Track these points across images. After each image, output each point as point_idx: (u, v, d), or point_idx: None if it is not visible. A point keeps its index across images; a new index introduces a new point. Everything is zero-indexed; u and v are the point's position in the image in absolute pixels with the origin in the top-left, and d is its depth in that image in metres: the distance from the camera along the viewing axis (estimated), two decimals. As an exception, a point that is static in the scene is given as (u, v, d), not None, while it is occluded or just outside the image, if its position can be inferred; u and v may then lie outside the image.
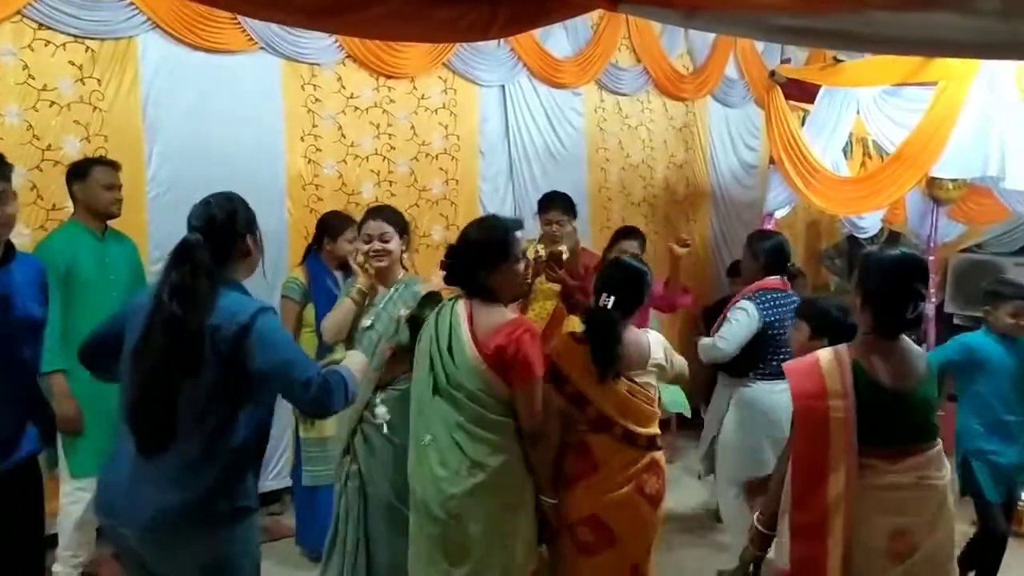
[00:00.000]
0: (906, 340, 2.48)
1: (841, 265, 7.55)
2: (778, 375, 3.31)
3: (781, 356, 3.65)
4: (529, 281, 2.91)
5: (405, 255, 3.25)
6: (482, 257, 2.76)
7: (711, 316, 6.17)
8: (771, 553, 2.59)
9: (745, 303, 3.93)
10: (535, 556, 2.86)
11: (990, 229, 7.12)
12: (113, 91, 4.12)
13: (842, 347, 2.46)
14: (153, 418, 2.14)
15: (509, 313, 2.80)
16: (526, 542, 2.81)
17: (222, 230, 2.36)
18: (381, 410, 3.08)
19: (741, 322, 3.88)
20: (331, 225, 4.18)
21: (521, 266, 2.88)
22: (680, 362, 3.22)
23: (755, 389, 3.93)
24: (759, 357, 3.90)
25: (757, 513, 2.64)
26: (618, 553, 2.92)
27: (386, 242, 3.15)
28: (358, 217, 3.55)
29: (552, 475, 2.88)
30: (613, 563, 2.92)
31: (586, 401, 2.87)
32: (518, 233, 2.86)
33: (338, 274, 4.13)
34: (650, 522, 2.97)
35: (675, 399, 5.35)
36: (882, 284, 2.39)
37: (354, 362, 2.51)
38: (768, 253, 4.01)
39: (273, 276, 4.55)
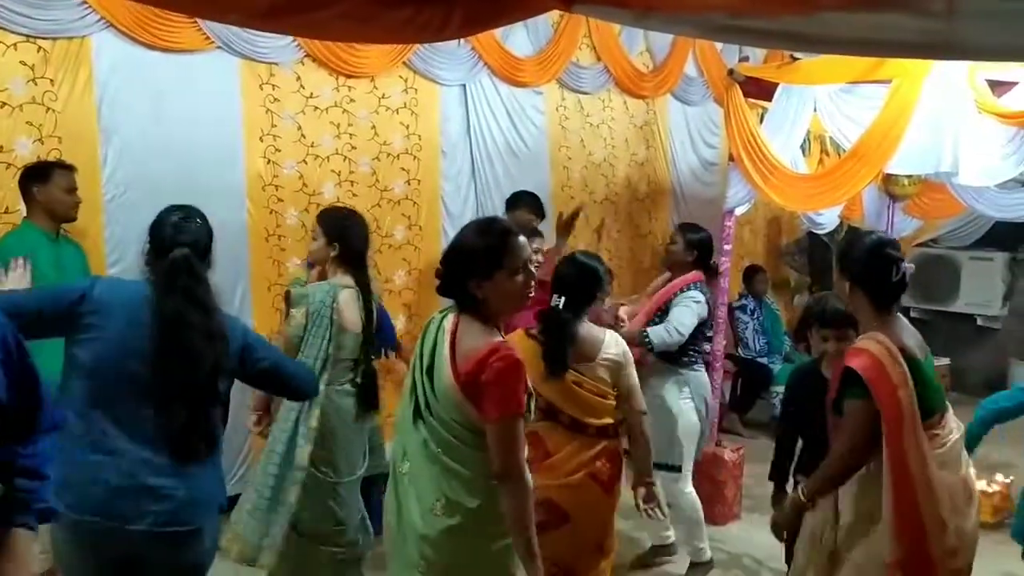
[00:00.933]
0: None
1: (801, 261, 7.66)
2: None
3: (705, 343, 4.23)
4: (533, 295, 2.50)
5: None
6: (473, 264, 2.35)
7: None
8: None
9: (695, 293, 4.13)
10: None
11: (945, 224, 7.27)
12: (66, 92, 4.05)
13: (879, 335, 2.59)
14: (201, 427, 2.34)
15: (495, 335, 2.38)
16: None
17: (207, 245, 2.50)
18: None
19: (694, 310, 4.08)
20: None
21: (520, 278, 2.38)
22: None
23: (700, 374, 4.23)
24: (695, 344, 4.19)
25: (802, 487, 2.74)
26: (574, 530, 3.00)
27: None
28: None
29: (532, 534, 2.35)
30: (571, 539, 2.99)
31: (535, 392, 2.87)
32: (519, 239, 2.42)
33: None
34: (604, 505, 3.09)
35: None
36: (867, 260, 2.65)
37: None
38: (701, 246, 4.25)
39: (235, 277, 4.57)
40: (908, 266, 2.67)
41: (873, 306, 2.66)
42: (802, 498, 2.68)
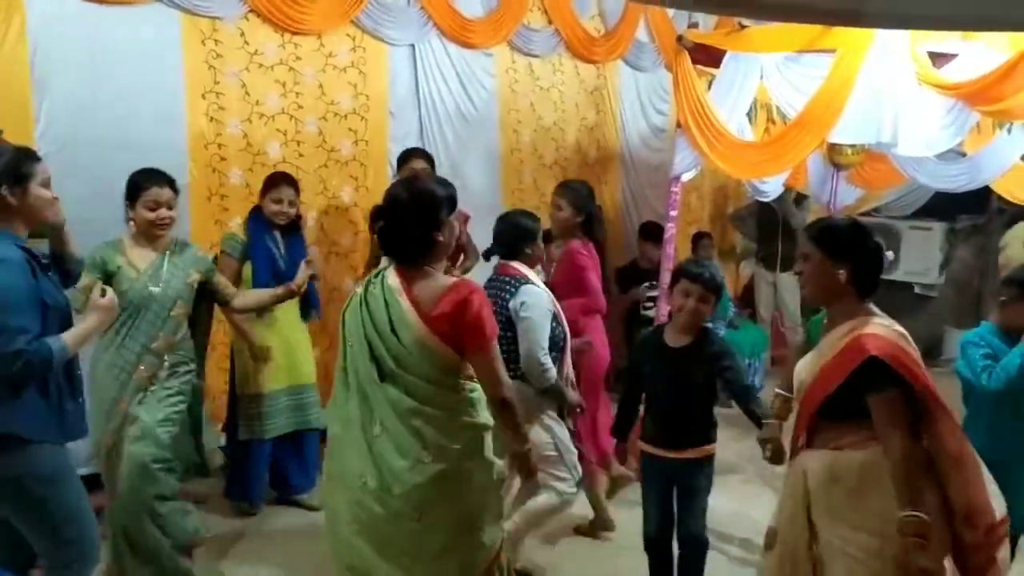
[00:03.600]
0: None
1: (751, 225, 7.71)
2: None
3: None
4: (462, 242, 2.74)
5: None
6: (438, 213, 2.54)
7: (625, 276, 6.30)
8: None
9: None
10: (501, 533, 2.71)
11: (886, 194, 7.41)
12: (-3, 44, 3.91)
13: (885, 320, 2.55)
14: None
15: (448, 278, 2.58)
16: (495, 523, 2.66)
17: None
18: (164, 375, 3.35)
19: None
20: (264, 184, 4.29)
21: (456, 226, 2.64)
22: None
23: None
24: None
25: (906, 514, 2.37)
26: None
27: (171, 209, 3.39)
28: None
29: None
30: None
31: None
32: (444, 192, 2.61)
33: (277, 233, 4.26)
34: None
35: None
36: (863, 247, 2.58)
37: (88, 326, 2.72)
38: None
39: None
40: (888, 253, 2.66)
41: (858, 291, 2.56)
42: (913, 519, 2.35)
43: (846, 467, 2.49)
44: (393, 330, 2.47)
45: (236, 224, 4.71)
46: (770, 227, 6.82)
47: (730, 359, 3.21)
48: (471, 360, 2.52)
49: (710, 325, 3.39)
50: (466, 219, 4.68)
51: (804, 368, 2.68)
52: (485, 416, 2.60)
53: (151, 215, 3.34)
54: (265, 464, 4.36)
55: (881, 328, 2.49)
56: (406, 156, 4.74)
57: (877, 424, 2.43)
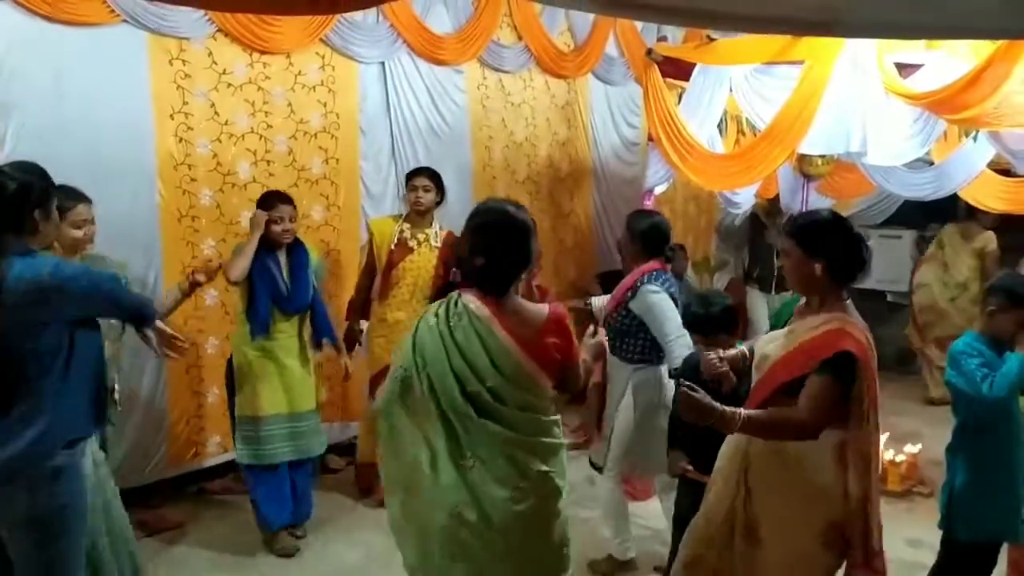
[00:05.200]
0: None
1: (736, 239, 7.66)
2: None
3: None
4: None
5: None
6: (519, 249, 2.54)
7: (607, 283, 6.28)
8: None
9: (654, 287, 3.81)
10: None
11: (857, 203, 7.48)
12: (-40, 66, 3.85)
13: (854, 319, 2.65)
14: None
15: (535, 304, 2.60)
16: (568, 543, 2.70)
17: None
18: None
19: (668, 305, 3.79)
20: (259, 205, 4.22)
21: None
22: None
23: (656, 370, 3.91)
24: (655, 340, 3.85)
25: (746, 413, 2.56)
26: None
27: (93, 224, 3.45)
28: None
29: None
30: None
31: None
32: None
33: (280, 253, 4.22)
34: None
35: None
36: (839, 238, 2.68)
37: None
38: (645, 234, 3.95)
39: (147, 259, 4.44)
40: (871, 243, 2.77)
41: (837, 285, 2.68)
42: (736, 419, 2.54)
43: (787, 444, 2.64)
44: (493, 364, 2.44)
45: (208, 245, 4.66)
46: (764, 247, 6.77)
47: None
48: (567, 374, 2.60)
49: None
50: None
51: (771, 343, 2.80)
52: (562, 435, 2.65)
53: (78, 232, 3.36)
54: (277, 488, 4.23)
55: (859, 332, 2.61)
56: (411, 175, 4.73)
57: (803, 394, 2.56)
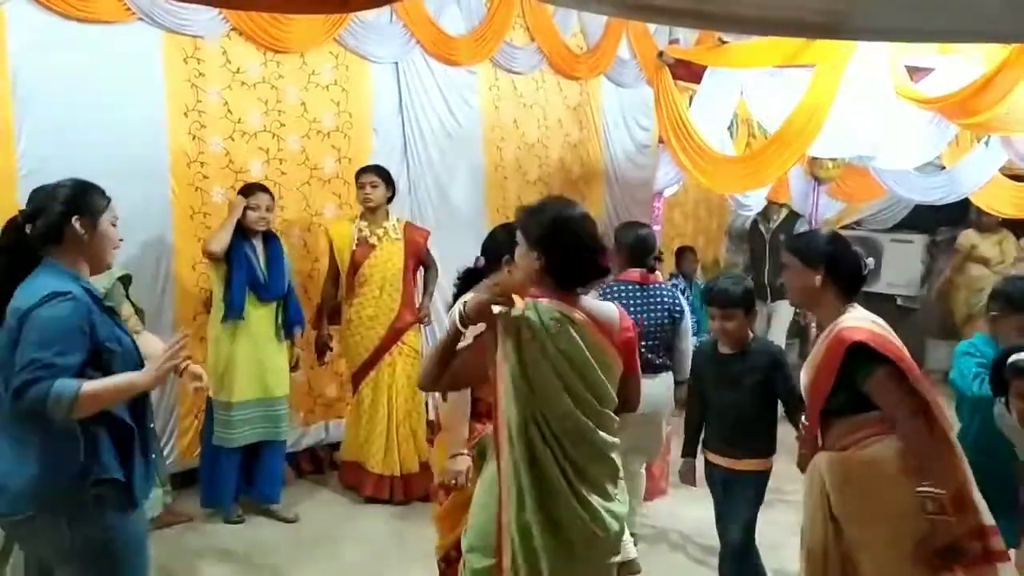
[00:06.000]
0: None
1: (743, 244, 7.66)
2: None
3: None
4: None
5: None
6: (593, 246, 2.43)
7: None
8: None
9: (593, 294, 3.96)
10: None
11: (867, 207, 7.48)
12: (-23, 62, 3.90)
13: (860, 312, 2.73)
14: None
15: (600, 301, 2.56)
16: None
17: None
18: None
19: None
20: (243, 194, 4.39)
21: None
22: None
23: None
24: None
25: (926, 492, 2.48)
26: None
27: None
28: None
29: None
30: None
31: None
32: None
33: (257, 242, 4.41)
34: None
35: None
36: (838, 254, 2.77)
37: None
38: (628, 246, 4.10)
39: (158, 256, 4.49)
40: (869, 260, 2.84)
41: (837, 294, 2.74)
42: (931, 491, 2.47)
43: (854, 468, 2.63)
44: (602, 364, 2.35)
45: (219, 242, 4.71)
46: (760, 254, 6.76)
47: (779, 366, 3.30)
48: (629, 377, 2.49)
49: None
50: (426, 236, 4.91)
51: (804, 372, 2.85)
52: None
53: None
54: (234, 471, 4.44)
55: (853, 320, 2.67)
56: (359, 173, 4.83)
57: (884, 406, 2.57)
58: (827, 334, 2.70)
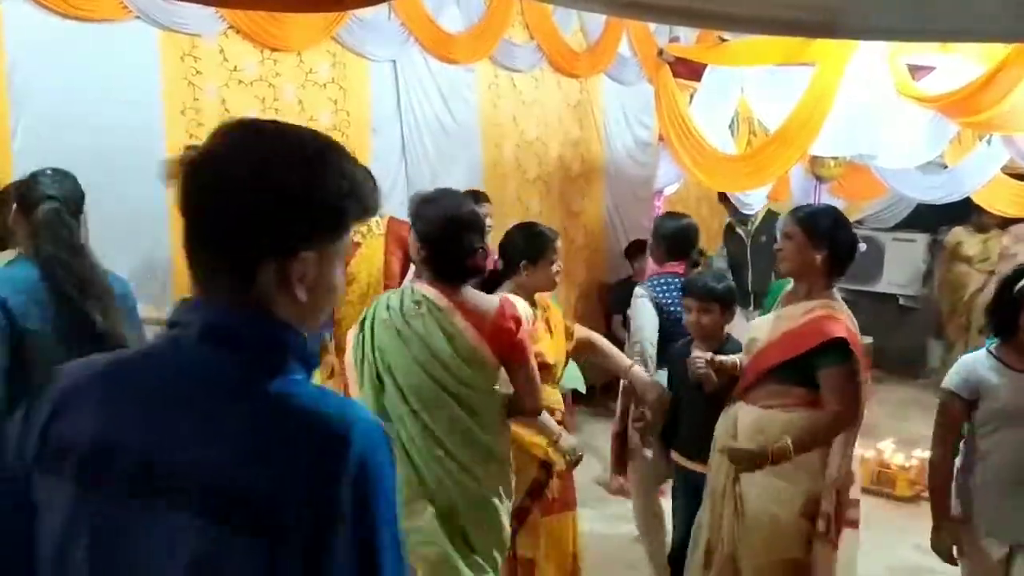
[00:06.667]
0: None
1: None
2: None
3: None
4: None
5: None
6: (468, 238, 2.57)
7: (616, 295, 6.26)
8: None
9: (638, 290, 3.93)
10: None
11: (869, 205, 7.44)
12: (-27, 61, 3.88)
13: (839, 307, 2.88)
14: None
15: (487, 295, 2.69)
16: None
17: (78, 204, 2.52)
18: None
19: (642, 313, 3.83)
20: None
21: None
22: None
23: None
24: (661, 345, 3.80)
25: (788, 440, 2.76)
26: None
27: None
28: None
29: None
30: None
31: None
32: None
33: None
34: None
35: (571, 373, 5.40)
36: (843, 232, 2.91)
37: None
38: (666, 237, 4.04)
39: (153, 259, 4.47)
40: (861, 245, 3.01)
41: (829, 276, 2.88)
42: (787, 447, 2.72)
43: (771, 423, 2.83)
44: (456, 352, 2.51)
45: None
46: (741, 259, 6.44)
47: None
48: (515, 372, 2.61)
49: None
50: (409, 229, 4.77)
51: (760, 328, 3.01)
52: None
53: None
54: None
55: (836, 312, 2.83)
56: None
57: (827, 392, 2.78)
58: (808, 311, 2.83)
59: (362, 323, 2.65)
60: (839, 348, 2.75)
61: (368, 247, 4.71)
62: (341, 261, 1.15)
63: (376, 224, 4.76)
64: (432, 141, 5.67)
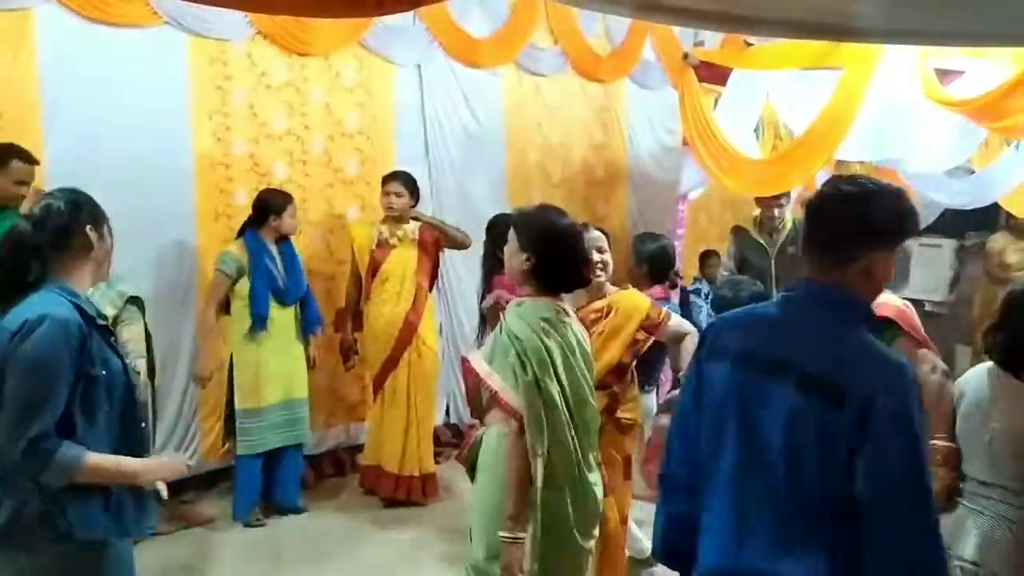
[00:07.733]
0: None
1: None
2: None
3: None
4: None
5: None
6: (576, 250, 2.60)
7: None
8: None
9: None
10: None
11: (895, 210, 7.36)
12: (7, 65, 3.96)
13: None
14: None
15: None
16: None
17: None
18: None
19: None
20: (275, 203, 4.40)
21: None
22: None
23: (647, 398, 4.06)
24: (645, 369, 3.86)
25: None
26: None
27: None
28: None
29: None
30: None
31: None
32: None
33: (273, 248, 4.42)
34: None
35: None
36: None
37: None
38: (649, 259, 4.11)
39: (181, 258, 4.53)
40: None
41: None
42: None
43: None
44: (584, 359, 2.55)
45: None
46: (763, 274, 6.02)
47: None
48: None
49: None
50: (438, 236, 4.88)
51: None
52: None
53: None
54: (256, 475, 4.46)
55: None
56: (384, 180, 4.81)
57: None
58: None
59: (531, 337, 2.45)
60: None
61: (402, 249, 4.76)
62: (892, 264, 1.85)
63: (412, 231, 4.79)
64: (456, 145, 5.70)
